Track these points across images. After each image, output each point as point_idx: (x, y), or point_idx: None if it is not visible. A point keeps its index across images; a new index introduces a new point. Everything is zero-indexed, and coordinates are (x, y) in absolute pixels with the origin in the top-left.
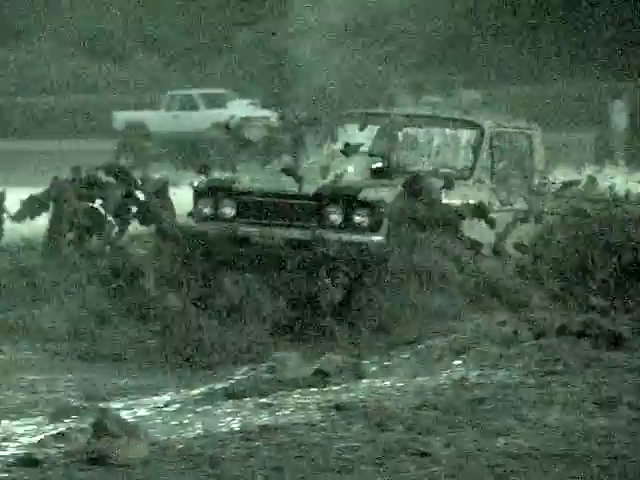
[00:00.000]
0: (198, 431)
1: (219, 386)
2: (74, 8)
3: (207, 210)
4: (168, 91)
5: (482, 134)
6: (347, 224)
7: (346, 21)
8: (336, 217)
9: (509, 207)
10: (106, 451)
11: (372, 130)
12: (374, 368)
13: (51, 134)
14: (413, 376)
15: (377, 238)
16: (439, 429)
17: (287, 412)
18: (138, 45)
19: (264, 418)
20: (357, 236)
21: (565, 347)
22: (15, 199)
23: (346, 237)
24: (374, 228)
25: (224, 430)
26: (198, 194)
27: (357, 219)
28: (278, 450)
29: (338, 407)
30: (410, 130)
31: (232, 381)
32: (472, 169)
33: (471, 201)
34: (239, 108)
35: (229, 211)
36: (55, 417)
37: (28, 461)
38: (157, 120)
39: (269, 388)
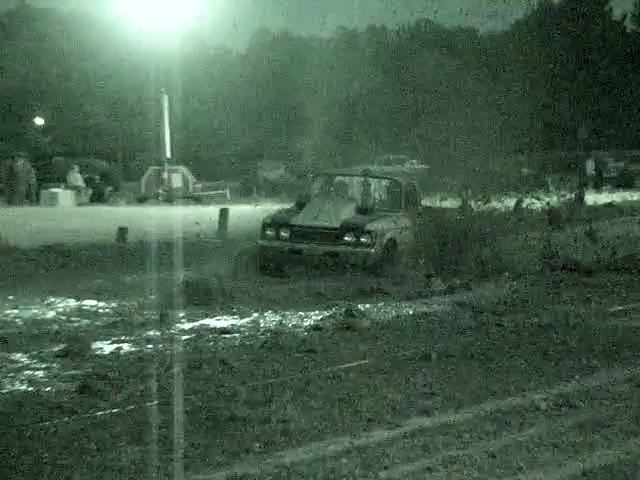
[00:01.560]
0: (392, 315)
1: (413, 291)
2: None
3: (271, 233)
4: (377, 156)
5: (401, 187)
6: (357, 243)
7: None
8: (351, 239)
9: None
10: (351, 323)
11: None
12: (475, 286)
13: None
14: (492, 289)
15: (372, 251)
16: (507, 313)
17: (435, 306)
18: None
19: (424, 308)
20: (362, 249)
21: (558, 274)
22: None
23: (356, 250)
24: (372, 246)
25: (406, 314)
26: (266, 224)
27: (363, 240)
28: (430, 322)
29: (458, 304)
30: (367, 183)
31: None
32: (400, 206)
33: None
34: (409, 165)
35: (286, 234)
36: (353, 307)
37: (316, 328)
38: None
39: (426, 294)
